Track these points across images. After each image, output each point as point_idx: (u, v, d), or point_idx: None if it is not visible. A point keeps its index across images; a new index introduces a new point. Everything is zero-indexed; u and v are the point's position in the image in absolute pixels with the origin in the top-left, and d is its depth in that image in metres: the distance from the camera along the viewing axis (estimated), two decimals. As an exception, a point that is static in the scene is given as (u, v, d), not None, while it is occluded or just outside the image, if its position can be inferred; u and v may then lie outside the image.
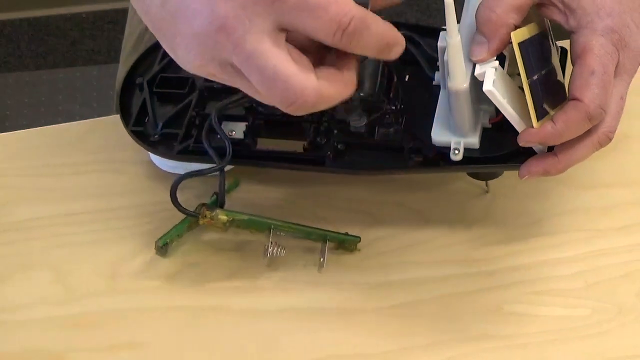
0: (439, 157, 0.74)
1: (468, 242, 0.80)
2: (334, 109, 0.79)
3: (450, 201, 0.82)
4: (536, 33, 0.71)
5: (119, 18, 2.06)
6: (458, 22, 0.68)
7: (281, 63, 0.58)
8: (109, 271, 0.79)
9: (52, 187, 0.84)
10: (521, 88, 0.69)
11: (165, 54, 0.84)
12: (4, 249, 0.81)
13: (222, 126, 0.78)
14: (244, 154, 0.78)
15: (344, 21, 0.58)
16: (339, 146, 0.78)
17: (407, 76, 0.80)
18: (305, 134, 0.78)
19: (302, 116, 0.79)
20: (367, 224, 0.80)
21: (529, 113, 0.68)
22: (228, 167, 0.78)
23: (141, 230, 0.81)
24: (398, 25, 0.65)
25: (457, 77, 0.69)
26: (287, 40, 0.60)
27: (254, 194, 0.83)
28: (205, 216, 0.77)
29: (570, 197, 0.82)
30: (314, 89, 0.60)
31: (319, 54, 0.63)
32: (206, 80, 0.82)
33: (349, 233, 0.79)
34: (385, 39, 0.61)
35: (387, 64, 0.77)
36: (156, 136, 0.81)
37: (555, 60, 0.74)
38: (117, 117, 0.83)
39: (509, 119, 0.69)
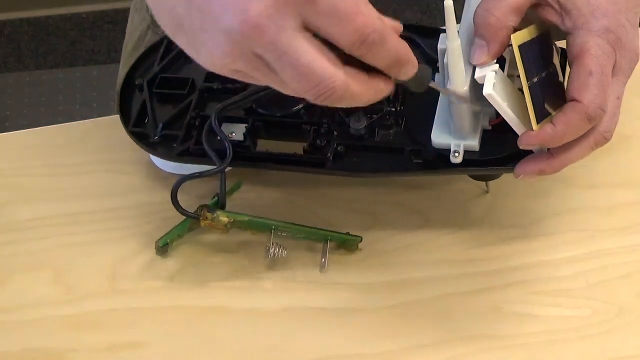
0: (439, 160, 0.74)
1: (468, 242, 0.80)
2: (333, 110, 0.79)
3: (450, 201, 0.82)
4: (536, 35, 0.71)
5: (119, 18, 2.06)
6: (458, 22, 0.68)
7: (314, 59, 0.60)
8: (109, 271, 0.79)
9: (52, 187, 0.84)
10: (521, 90, 0.69)
11: (165, 54, 0.85)
12: (4, 249, 0.81)
13: (222, 128, 0.78)
14: (244, 156, 0.78)
15: (366, 33, 0.59)
16: (338, 148, 0.77)
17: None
18: (305, 136, 0.78)
19: (302, 118, 0.79)
20: (367, 224, 0.80)
21: (529, 116, 0.68)
22: (227, 168, 0.78)
23: (141, 230, 0.81)
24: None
25: (457, 81, 0.69)
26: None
27: (254, 194, 0.83)
28: (206, 218, 0.77)
29: (570, 197, 0.82)
30: (343, 82, 0.61)
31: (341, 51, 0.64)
32: (206, 80, 0.82)
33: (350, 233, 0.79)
34: (397, 57, 0.62)
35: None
36: (156, 137, 0.81)
37: (556, 61, 0.74)
38: (117, 117, 0.83)
39: (509, 122, 0.69)
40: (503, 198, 0.82)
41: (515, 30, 0.69)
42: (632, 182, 0.83)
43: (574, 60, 0.69)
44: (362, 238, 0.79)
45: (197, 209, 0.77)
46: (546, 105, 0.69)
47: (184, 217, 0.78)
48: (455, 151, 0.73)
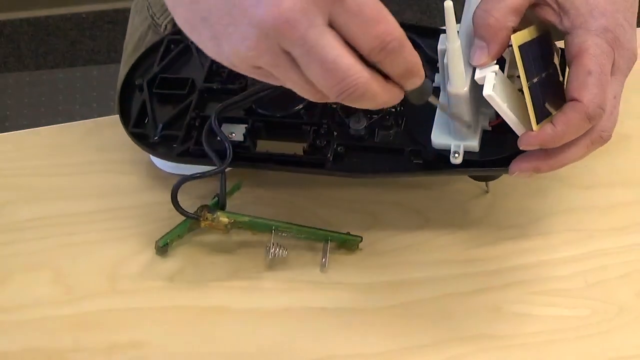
0: (439, 160, 0.74)
1: (468, 242, 0.80)
2: (333, 111, 0.79)
3: (450, 201, 0.82)
4: (536, 35, 0.71)
5: (119, 18, 2.06)
6: (458, 22, 0.68)
7: (341, 54, 0.60)
8: (109, 271, 0.79)
9: (52, 187, 0.84)
10: (521, 91, 0.69)
11: (165, 55, 0.85)
12: (4, 249, 0.81)
13: (222, 128, 0.78)
14: (244, 156, 0.78)
15: (387, 40, 0.60)
16: (338, 149, 0.77)
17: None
18: (305, 137, 0.78)
19: (302, 118, 0.79)
20: (367, 224, 0.80)
21: (529, 116, 0.68)
22: (227, 169, 0.78)
23: (141, 230, 0.81)
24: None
25: (456, 82, 0.69)
26: None
27: (255, 195, 0.83)
28: (207, 219, 0.77)
29: (569, 197, 0.82)
30: (367, 79, 0.61)
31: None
32: (206, 81, 0.82)
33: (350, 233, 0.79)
34: (410, 67, 0.62)
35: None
36: (156, 138, 0.81)
37: (556, 62, 0.74)
38: (117, 118, 0.83)
39: (509, 123, 0.69)
40: (502, 198, 0.82)
41: (514, 30, 0.69)
42: (631, 181, 0.83)
43: (573, 59, 0.69)
44: (362, 238, 0.79)
45: (198, 209, 0.78)
46: (547, 106, 0.69)
47: (184, 218, 0.78)
48: (455, 152, 0.73)
